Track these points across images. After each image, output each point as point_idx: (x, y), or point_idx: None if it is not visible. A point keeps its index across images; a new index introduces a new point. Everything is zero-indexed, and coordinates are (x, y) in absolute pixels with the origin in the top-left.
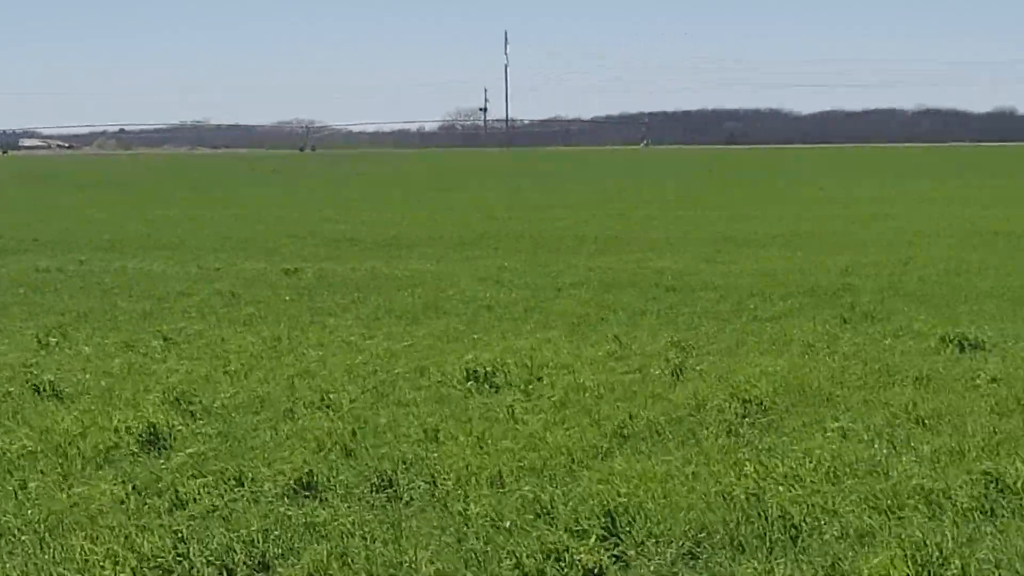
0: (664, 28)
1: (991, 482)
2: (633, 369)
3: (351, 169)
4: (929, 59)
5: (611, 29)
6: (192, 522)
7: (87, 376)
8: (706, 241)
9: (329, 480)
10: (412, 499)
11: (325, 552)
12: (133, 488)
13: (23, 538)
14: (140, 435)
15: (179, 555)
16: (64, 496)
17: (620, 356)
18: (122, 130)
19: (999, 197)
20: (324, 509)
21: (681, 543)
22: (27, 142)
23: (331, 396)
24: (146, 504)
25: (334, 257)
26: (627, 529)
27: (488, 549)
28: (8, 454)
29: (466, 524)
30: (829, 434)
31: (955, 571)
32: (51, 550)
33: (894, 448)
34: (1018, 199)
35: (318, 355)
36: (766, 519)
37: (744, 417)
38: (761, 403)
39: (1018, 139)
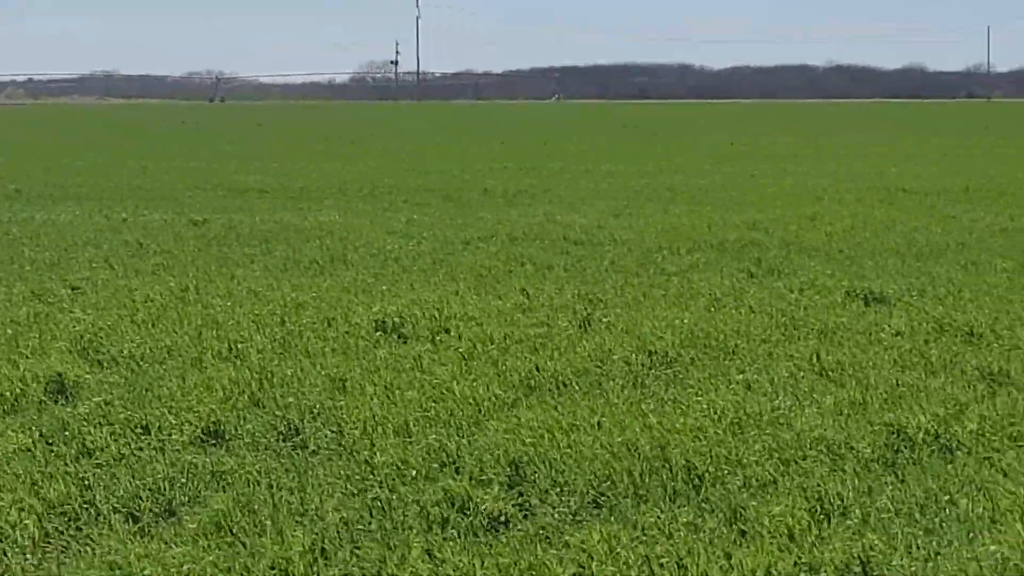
0: None
1: (892, 433)
2: (540, 321)
3: (261, 120)
4: (839, 16)
5: None
6: (98, 469)
7: None
8: (614, 195)
9: (236, 429)
10: (318, 448)
11: (231, 499)
12: (40, 436)
13: None
14: (47, 384)
15: (85, 502)
16: None
17: (527, 308)
18: (30, 79)
19: (906, 154)
20: (231, 457)
21: (585, 492)
22: None
23: (238, 346)
24: (52, 452)
25: (242, 208)
26: (532, 478)
27: (393, 497)
28: None
29: (371, 473)
30: (733, 386)
31: (855, 519)
32: None
33: (797, 400)
34: (924, 156)
35: (225, 305)
36: (670, 469)
37: (649, 369)
38: (666, 355)
39: (926, 96)
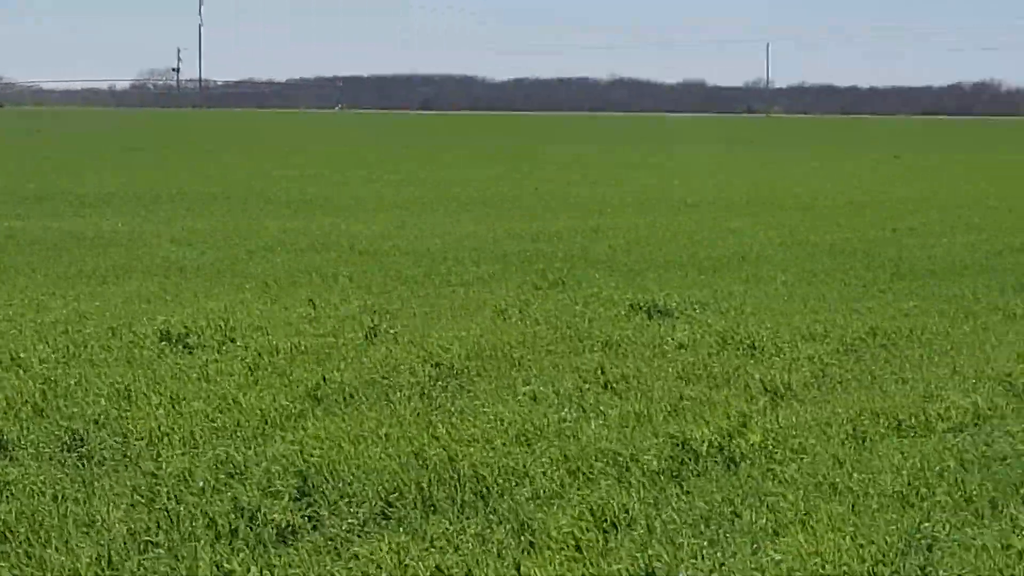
0: None
1: (677, 446)
2: (326, 332)
3: (39, 126)
4: (622, 29)
5: None
6: None
7: None
8: (399, 205)
9: (19, 439)
10: (104, 458)
11: (15, 510)
12: None
13: None
14: None
15: None
16: None
17: (313, 319)
18: None
19: (688, 167)
20: (14, 467)
21: (374, 503)
22: None
23: (21, 356)
24: None
25: (21, 215)
26: (320, 489)
27: (181, 508)
28: None
29: (158, 483)
30: (520, 397)
31: (641, 531)
32: None
33: (583, 412)
34: (706, 169)
35: (7, 315)
36: (458, 480)
37: (436, 380)
38: (453, 367)
39: (707, 110)
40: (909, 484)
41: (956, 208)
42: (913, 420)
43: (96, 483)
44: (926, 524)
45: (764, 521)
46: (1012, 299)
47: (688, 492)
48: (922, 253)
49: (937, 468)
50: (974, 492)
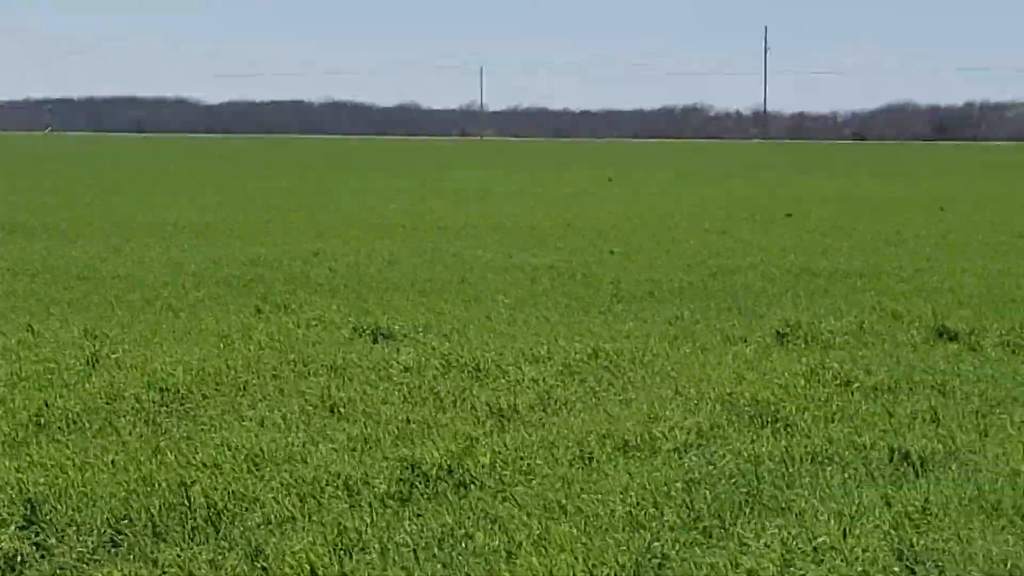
0: (70, 7)
1: (407, 468)
2: (47, 358)
3: None
4: (338, 52)
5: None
6: None
7: None
8: (114, 230)
9: None
10: None
11: None
12: None
13: None
14: None
15: None
16: None
17: (32, 345)
18: None
19: (402, 191)
20: None
21: (103, 531)
22: None
23: None
24: None
25: None
26: (47, 517)
27: None
28: None
29: None
30: (246, 423)
31: (375, 554)
32: None
33: (311, 436)
34: (420, 193)
35: None
36: (189, 507)
37: (162, 406)
38: (178, 392)
39: (420, 133)
40: (638, 504)
41: (671, 230)
42: (639, 441)
43: None
44: (656, 544)
45: (497, 543)
46: (729, 320)
47: (420, 515)
48: (641, 275)
49: (664, 488)
50: (702, 511)
